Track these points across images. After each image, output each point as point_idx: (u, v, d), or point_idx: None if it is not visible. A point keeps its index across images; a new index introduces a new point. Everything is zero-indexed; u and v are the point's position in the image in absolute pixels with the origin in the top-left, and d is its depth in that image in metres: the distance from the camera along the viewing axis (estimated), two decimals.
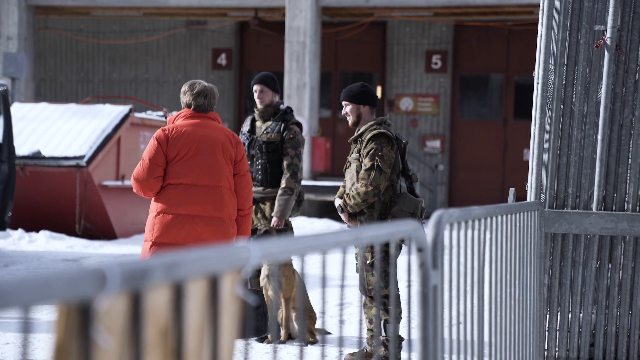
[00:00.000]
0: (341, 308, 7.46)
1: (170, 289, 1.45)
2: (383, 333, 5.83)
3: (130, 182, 12.11)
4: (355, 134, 5.79)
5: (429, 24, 18.18)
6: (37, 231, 11.73)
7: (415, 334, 2.59)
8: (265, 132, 6.41)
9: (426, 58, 18.27)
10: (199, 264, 1.46)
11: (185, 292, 1.47)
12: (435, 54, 18.23)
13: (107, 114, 12.15)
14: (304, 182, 15.24)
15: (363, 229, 2.11)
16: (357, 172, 5.68)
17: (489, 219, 3.37)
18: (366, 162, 5.60)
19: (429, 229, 2.59)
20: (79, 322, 1.25)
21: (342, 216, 5.75)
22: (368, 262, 5.63)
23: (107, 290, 1.24)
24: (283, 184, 6.29)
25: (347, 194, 5.66)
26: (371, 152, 5.60)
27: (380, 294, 5.68)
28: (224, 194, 5.03)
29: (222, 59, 18.88)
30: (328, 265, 2.13)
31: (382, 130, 5.65)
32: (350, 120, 5.79)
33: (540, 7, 5.04)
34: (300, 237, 1.82)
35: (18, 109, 12.51)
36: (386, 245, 5.06)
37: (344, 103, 5.81)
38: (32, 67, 16.89)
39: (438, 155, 18.24)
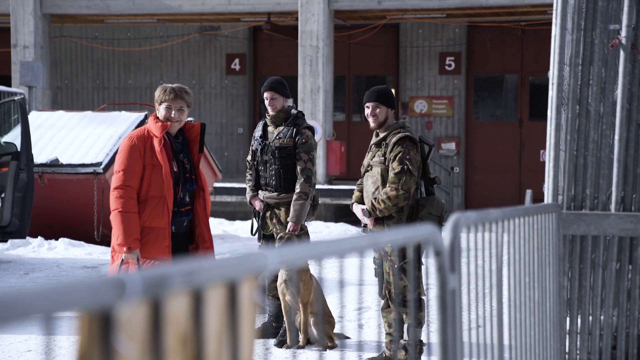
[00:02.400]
0: (359, 312, 7.40)
1: (190, 296, 1.45)
2: (405, 337, 5.81)
3: None
4: (378, 138, 5.75)
5: (442, 26, 18.15)
6: (56, 238, 11.78)
7: (435, 338, 2.59)
8: (277, 137, 6.41)
9: (440, 60, 18.24)
10: (216, 270, 1.47)
11: (204, 298, 1.47)
12: (448, 56, 18.20)
13: (123, 121, 12.20)
14: (319, 186, 15.24)
15: (380, 234, 2.11)
16: (382, 176, 5.65)
17: (505, 221, 3.36)
18: (395, 166, 5.57)
19: (445, 233, 2.59)
20: (100, 330, 1.25)
21: (368, 221, 5.68)
22: (396, 266, 5.60)
23: (127, 298, 1.25)
24: (297, 188, 6.29)
25: (375, 198, 5.61)
26: (399, 155, 5.57)
27: (401, 297, 5.67)
28: None
29: (236, 64, 18.92)
30: (345, 269, 2.14)
31: (408, 134, 5.64)
32: (376, 122, 5.73)
33: (554, 7, 5.02)
34: (317, 242, 1.82)
35: (35, 117, 12.58)
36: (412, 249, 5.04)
37: (372, 104, 5.72)
38: (48, 75, 16.99)
39: (453, 157, 18.20)
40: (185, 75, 19.14)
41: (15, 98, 10.47)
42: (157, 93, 5.02)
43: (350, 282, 8.51)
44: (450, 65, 18.17)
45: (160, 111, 4.97)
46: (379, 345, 6.09)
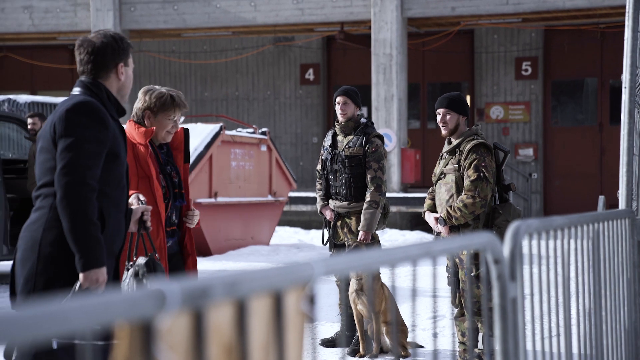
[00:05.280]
0: (433, 321, 7.30)
1: (233, 307, 1.47)
2: (480, 345, 5.75)
3: (222, 199, 12.35)
4: (451, 145, 5.71)
5: (518, 30, 17.91)
6: None
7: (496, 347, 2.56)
8: (347, 146, 6.41)
9: (516, 65, 18.00)
10: (261, 281, 1.48)
11: (248, 309, 1.49)
12: (525, 61, 17.95)
13: (199, 133, 12.39)
14: (394, 195, 15.19)
15: (434, 242, 2.10)
16: (457, 184, 5.61)
17: (572, 229, 3.29)
18: (471, 174, 5.52)
19: (506, 241, 2.56)
20: (141, 341, 1.28)
21: (442, 229, 5.64)
22: (473, 274, 5.54)
23: (167, 310, 1.27)
24: (368, 197, 6.28)
25: (451, 206, 5.57)
26: (475, 163, 5.52)
27: (477, 305, 5.60)
28: None
29: (310, 74, 19.04)
30: (419, 277, 2.13)
31: (482, 141, 5.59)
32: (447, 129, 5.70)
33: (626, 9, 4.91)
34: (367, 251, 1.82)
35: None
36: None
37: (442, 111, 5.70)
38: None
39: (531, 164, 17.92)
40: (260, 86, 19.34)
41: None
42: (148, 98, 4.34)
43: (424, 290, 8.47)
44: (526, 70, 17.92)
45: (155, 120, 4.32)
46: (453, 354, 6.04)
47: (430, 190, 5.94)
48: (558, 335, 3.14)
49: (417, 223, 15.77)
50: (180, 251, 4.45)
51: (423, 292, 8.39)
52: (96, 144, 3.32)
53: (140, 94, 4.39)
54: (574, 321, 3.37)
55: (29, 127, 10.63)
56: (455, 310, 5.82)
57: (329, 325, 7.32)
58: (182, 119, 4.42)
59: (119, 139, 3.50)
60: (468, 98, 18.28)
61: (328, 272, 1.64)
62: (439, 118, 5.73)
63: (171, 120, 4.32)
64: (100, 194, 3.37)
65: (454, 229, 5.62)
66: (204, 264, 11.64)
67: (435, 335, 7.09)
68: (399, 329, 6.26)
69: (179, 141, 4.46)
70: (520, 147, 17.91)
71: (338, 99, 6.44)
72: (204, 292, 1.34)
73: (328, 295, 8.35)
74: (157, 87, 4.42)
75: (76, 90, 3.49)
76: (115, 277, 3.57)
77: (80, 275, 3.23)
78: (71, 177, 3.25)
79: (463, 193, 5.54)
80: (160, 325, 1.30)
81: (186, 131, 4.47)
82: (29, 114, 10.95)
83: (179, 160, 4.44)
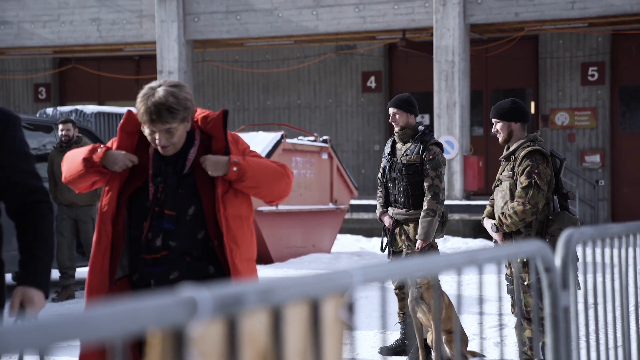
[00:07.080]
0: (494, 330, 7.19)
1: (268, 314, 1.47)
2: (540, 355, 5.66)
3: (283, 207, 12.40)
4: (507, 152, 5.66)
5: (584, 35, 17.61)
6: None
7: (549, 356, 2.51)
8: (404, 154, 6.40)
9: (582, 70, 17.70)
10: (296, 288, 1.48)
11: (283, 316, 1.49)
12: (591, 66, 17.63)
13: (261, 141, 12.47)
14: (457, 202, 15.06)
15: (479, 251, 2.07)
16: (511, 191, 5.55)
17: (631, 237, 3.21)
18: (522, 180, 5.46)
19: (558, 248, 2.51)
20: (173, 348, 1.29)
21: (496, 236, 5.60)
22: (526, 283, 5.46)
23: (198, 317, 1.28)
24: (425, 206, 6.24)
25: (502, 213, 5.52)
26: (527, 169, 5.46)
27: (538, 315, 5.52)
28: None
29: (372, 82, 19.01)
30: (482, 285, 2.10)
31: (537, 147, 5.51)
32: (500, 137, 5.66)
33: None
34: (407, 259, 1.80)
35: None
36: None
37: (494, 120, 5.68)
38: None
39: (598, 170, 17.58)
40: (322, 95, 19.39)
41: None
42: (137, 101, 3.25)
43: (488, 298, 8.36)
44: (593, 76, 17.60)
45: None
46: None
47: (491, 196, 5.89)
48: (616, 346, 3.06)
49: (480, 231, 15.60)
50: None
51: (487, 300, 8.29)
52: None
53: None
54: (633, 332, 3.28)
55: (62, 133, 9.39)
56: (517, 320, 5.74)
57: (389, 333, 7.28)
58: (182, 129, 3.27)
59: None
60: (532, 104, 18.03)
61: (367, 280, 1.63)
62: (493, 127, 5.73)
63: (154, 134, 3.24)
64: None
65: (507, 236, 5.56)
66: (265, 272, 11.70)
67: (496, 344, 6.95)
68: (459, 337, 6.19)
69: (217, 129, 3.35)
70: (586, 153, 17.59)
71: (390, 110, 6.48)
72: (237, 299, 1.34)
73: (387, 303, 8.31)
74: (155, 86, 3.24)
75: None
76: None
77: None
78: None
79: (514, 200, 5.48)
80: (192, 333, 1.30)
81: (225, 114, 3.37)
82: (60, 120, 9.59)
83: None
